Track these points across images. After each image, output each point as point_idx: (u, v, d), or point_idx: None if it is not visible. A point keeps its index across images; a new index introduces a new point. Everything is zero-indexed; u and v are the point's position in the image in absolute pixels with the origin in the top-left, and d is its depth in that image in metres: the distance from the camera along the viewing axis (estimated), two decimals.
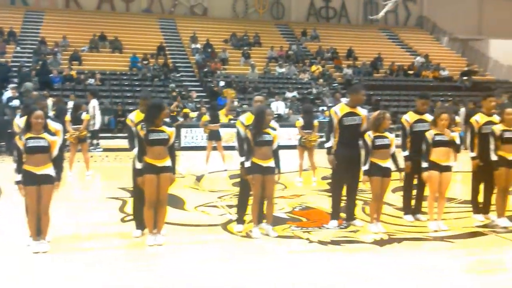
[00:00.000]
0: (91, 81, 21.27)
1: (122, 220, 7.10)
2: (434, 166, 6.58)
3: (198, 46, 25.80)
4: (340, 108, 6.87)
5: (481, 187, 7.28)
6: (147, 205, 5.89)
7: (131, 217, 6.72)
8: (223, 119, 17.05)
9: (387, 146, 6.46)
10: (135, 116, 6.28)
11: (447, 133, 6.58)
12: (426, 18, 33.36)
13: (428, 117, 7.00)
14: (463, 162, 11.54)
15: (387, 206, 7.61)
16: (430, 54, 29.25)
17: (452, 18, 32.34)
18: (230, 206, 7.84)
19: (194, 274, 5.03)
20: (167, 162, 5.87)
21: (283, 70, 24.91)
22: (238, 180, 10.03)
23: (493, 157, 6.86)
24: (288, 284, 4.82)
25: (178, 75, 23.55)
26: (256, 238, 6.21)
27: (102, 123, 16.58)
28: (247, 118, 6.55)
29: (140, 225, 6.29)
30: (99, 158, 14.11)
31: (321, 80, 24.14)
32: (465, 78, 26.49)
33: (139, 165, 5.88)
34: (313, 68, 25.45)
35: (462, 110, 17.60)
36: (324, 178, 10.77)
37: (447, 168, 6.62)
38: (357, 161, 6.71)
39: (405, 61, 28.09)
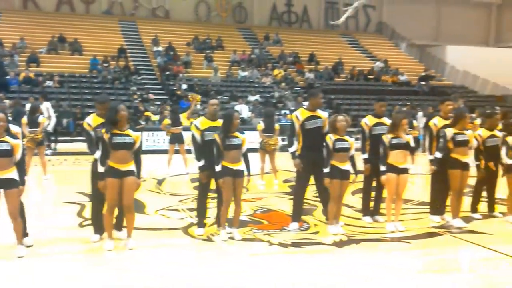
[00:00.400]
0: (49, 83, 20.80)
1: (80, 225, 6.96)
2: (391, 168, 6.73)
3: (160, 49, 25.60)
4: (300, 113, 6.94)
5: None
6: (108, 210, 5.80)
7: (90, 221, 6.60)
8: (185, 122, 17.01)
9: (347, 149, 6.56)
10: (92, 120, 6.18)
11: (403, 135, 6.75)
12: (386, 24, 34.11)
13: (387, 120, 7.15)
14: (422, 165, 11.85)
15: (346, 208, 7.74)
16: (389, 59, 29.92)
17: (410, 25, 33.20)
18: (191, 210, 7.80)
19: (158, 278, 4.99)
20: (131, 167, 5.79)
21: (245, 73, 24.99)
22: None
23: (437, 155, 7.12)
24: (250, 286, 4.84)
25: (139, 78, 23.29)
26: (225, 240, 6.22)
27: (56, 126, 16.22)
28: (201, 122, 6.54)
29: (99, 230, 6.18)
30: (57, 161, 13.79)
31: (283, 84, 24.32)
32: (423, 83, 27.20)
33: (101, 169, 5.79)
34: (276, 72, 25.62)
35: (420, 114, 18.07)
36: (285, 181, 10.87)
37: (404, 171, 6.78)
38: (321, 164, 6.79)
39: (365, 65, 28.62)
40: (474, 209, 7.80)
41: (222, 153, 6.20)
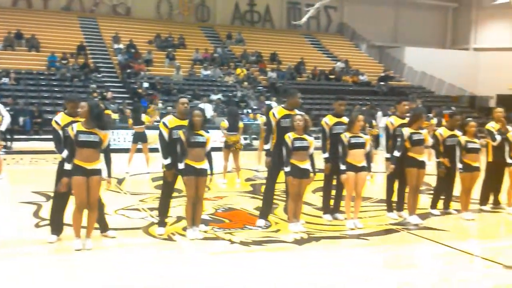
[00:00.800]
0: (5, 80, 20.20)
1: (37, 225, 6.80)
2: (350, 167, 6.86)
3: (121, 46, 25.22)
4: (278, 111, 7.00)
5: (395, 186, 7.67)
6: (77, 209, 5.72)
7: (46, 222, 6.46)
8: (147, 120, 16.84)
9: (306, 148, 6.63)
10: (61, 119, 6.10)
11: (361, 134, 6.89)
12: (346, 25, 34.63)
13: (346, 119, 7.27)
14: (381, 163, 12.10)
15: (307, 206, 7.84)
16: (350, 59, 30.40)
17: (370, 26, 33.82)
18: (151, 209, 7.73)
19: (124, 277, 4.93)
20: (98, 165, 5.74)
21: (208, 72, 24.90)
22: (160, 182, 9.94)
23: (395, 154, 7.29)
24: (210, 282, 4.85)
25: (99, 75, 22.88)
26: (192, 239, 6.21)
27: (12, 124, 15.75)
28: (170, 120, 6.50)
29: (56, 230, 6.06)
30: (12, 160, 13.41)
31: (246, 83, 24.36)
32: (382, 83, 27.76)
33: (68, 166, 5.72)
34: (238, 71, 25.65)
35: (379, 113, 18.44)
36: (248, 179, 10.91)
37: (363, 169, 6.92)
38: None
39: (326, 66, 28.98)
40: (434, 205, 8.03)
41: (186, 151, 6.18)
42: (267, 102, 18.99)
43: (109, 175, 5.88)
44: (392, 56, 32.78)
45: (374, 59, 33.05)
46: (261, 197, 8.50)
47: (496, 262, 5.65)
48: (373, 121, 15.45)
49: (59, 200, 6.02)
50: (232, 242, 6.20)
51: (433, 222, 7.41)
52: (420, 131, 7.29)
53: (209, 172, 6.32)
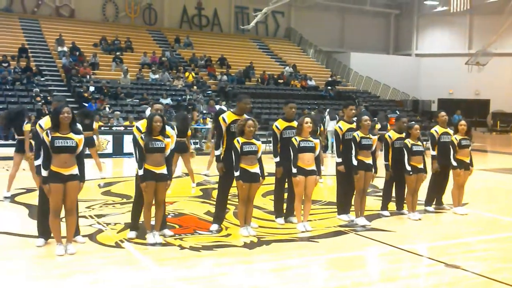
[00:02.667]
0: None
1: None
2: (299, 170, 6.96)
3: (65, 49, 24.54)
4: (227, 116, 7.01)
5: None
6: (53, 214, 5.69)
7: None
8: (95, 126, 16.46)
9: (255, 152, 6.68)
10: (44, 123, 6.02)
11: (310, 138, 7.02)
12: (294, 30, 35.13)
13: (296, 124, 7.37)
14: (330, 166, 12.32)
15: (258, 210, 7.88)
16: (298, 64, 30.84)
17: (317, 32, 34.44)
18: (99, 216, 7.56)
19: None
20: (74, 170, 5.70)
21: (156, 76, 24.62)
22: (107, 189, 9.74)
23: (354, 162, 7.42)
24: None
25: (42, 79, 22.17)
26: (152, 244, 6.17)
27: None
28: (142, 124, 6.42)
29: (44, 234, 5.98)
30: None
31: (195, 87, 24.24)
32: (329, 87, 28.31)
33: (44, 173, 5.64)
34: (187, 75, 25.50)
35: (327, 117, 18.78)
36: (198, 184, 10.84)
37: (312, 172, 7.03)
38: None
39: (275, 70, 29.28)
40: (384, 207, 8.24)
41: (144, 156, 6.13)
42: (218, 107, 19.01)
43: (82, 179, 5.83)
44: (338, 61, 33.51)
45: (321, 64, 33.66)
46: (212, 202, 8.50)
47: (439, 261, 5.88)
48: (321, 126, 15.72)
49: (45, 204, 5.89)
50: (182, 248, 6.16)
51: (380, 224, 7.61)
52: (370, 135, 7.49)
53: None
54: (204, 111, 21.61)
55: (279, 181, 7.47)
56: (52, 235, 5.96)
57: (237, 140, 6.64)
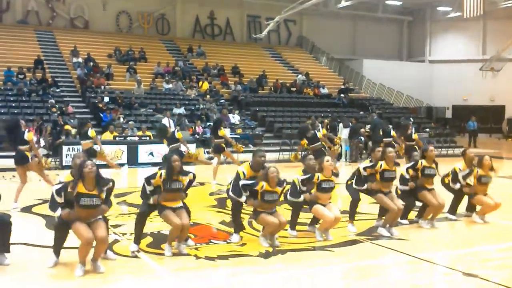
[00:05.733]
0: None
1: None
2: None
3: (80, 60, 24.83)
4: (246, 170, 6.89)
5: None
6: (84, 244, 5.51)
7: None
8: (108, 136, 16.63)
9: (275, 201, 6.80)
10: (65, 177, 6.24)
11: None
12: (306, 39, 35.17)
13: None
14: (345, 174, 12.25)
15: None
16: (310, 72, 30.84)
17: (329, 39, 34.43)
18: (115, 226, 7.61)
19: None
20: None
21: (170, 86, 24.78)
22: (123, 199, 9.81)
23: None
24: None
25: (58, 90, 22.43)
26: (168, 255, 6.18)
27: None
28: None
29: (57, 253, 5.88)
30: None
31: (208, 96, 24.36)
32: (342, 95, 28.26)
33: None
34: (200, 84, 25.65)
35: (340, 125, 18.75)
36: (211, 194, 10.87)
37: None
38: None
39: (287, 78, 29.30)
40: (403, 215, 8.13)
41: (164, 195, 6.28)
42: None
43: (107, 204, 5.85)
44: (351, 69, 33.45)
45: (333, 71, 33.64)
46: (227, 211, 8.52)
47: (456, 269, 5.83)
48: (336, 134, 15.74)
49: (58, 231, 5.84)
50: (198, 257, 6.18)
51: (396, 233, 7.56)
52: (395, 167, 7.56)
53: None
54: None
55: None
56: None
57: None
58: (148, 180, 6.33)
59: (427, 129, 24.87)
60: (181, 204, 6.39)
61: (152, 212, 6.63)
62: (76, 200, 5.52)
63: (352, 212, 7.72)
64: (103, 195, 5.68)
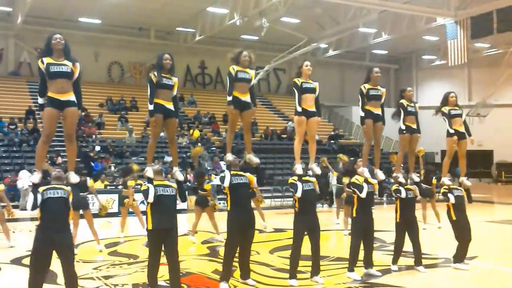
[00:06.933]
0: None
1: None
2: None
3: (81, 113, 24.96)
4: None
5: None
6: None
7: None
8: (100, 185, 16.55)
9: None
10: None
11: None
12: None
13: None
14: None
15: (265, 267, 7.77)
16: None
17: (318, 87, 34.97)
18: (106, 277, 7.49)
19: None
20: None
21: (161, 134, 24.83)
22: (114, 249, 9.70)
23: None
24: None
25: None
26: None
27: None
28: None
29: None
30: None
31: (199, 144, 24.46)
32: (332, 141, 28.51)
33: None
34: (191, 132, 25.81)
35: (330, 172, 18.83)
36: (204, 242, 10.77)
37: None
38: (250, 224, 6.90)
39: (278, 125, 29.61)
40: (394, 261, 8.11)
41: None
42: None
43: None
44: (340, 115, 33.91)
45: (323, 118, 34.04)
46: (219, 260, 8.45)
47: None
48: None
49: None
50: None
51: (389, 279, 7.50)
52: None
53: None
54: (209, 168, 21.72)
55: (296, 237, 7.19)
56: None
57: None
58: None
59: (418, 174, 24.96)
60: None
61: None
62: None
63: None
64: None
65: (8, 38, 27.48)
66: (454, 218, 8.13)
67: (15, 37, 27.50)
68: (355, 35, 28.87)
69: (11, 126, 22.24)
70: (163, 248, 6.21)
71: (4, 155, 20.13)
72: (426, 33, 29.25)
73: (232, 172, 7.04)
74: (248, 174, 7.16)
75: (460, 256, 8.11)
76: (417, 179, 8.60)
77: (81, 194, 9.58)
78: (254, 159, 7.39)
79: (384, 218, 13.13)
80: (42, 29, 24.80)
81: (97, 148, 21.61)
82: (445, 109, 8.53)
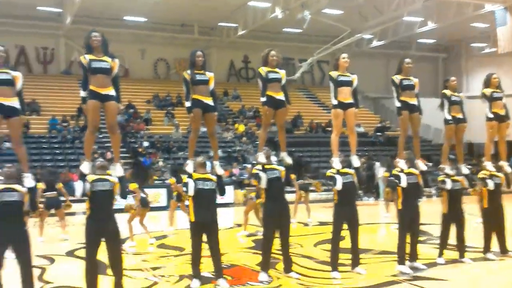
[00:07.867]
0: (5, 145, 20.46)
1: None
2: None
3: (121, 106, 25.64)
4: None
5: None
6: None
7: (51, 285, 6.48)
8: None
9: None
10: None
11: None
12: None
13: None
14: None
15: (309, 260, 7.84)
16: None
17: (364, 78, 34.13)
18: (154, 269, 7.75)
19: None
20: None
21: (206, 129, 25.20)
22: (162, 242, 9.99)
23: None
24: None
25: (100, 136, 23.17)
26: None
27: None
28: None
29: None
30: None
31: (244, 138, 24.68)
32: (379, 133, 28.12)
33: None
34: (236, 126, 26.06)
35: (377, 164, 18.63)
36: (250, 235, 10.93)
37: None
38: (285, 214, 7.02)
39: (323, 118, 29.42)
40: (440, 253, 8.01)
41: None
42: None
43: None
44: (386, 107, 33.32)
45: (369, 110, 33.58)
46: None
47: None
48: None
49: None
50: None
51: (434, 272, 7.42)
52: None
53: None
54: (254, 162, 21.89)
55: (335, 229, 7.26)
56: None
57: None
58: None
59: (469, 166, 24.30)
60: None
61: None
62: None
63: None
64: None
65: (59, 38, 28.44)
66: (486, 205, 7.95)
67: (65, 37, 28.42)
68: (400, 25, 28.26)
69: (63, 124, 23.11)
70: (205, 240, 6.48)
71: (57, 151, 20.95)
72: (474, 20, 28.25)
73: (266, 167, 7.13)
74: (280, 168, 7.26)
75: (487, 246, 8.04)
76: (466, 171, 8.31)
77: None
78: (287, 159, 7.47)
79: (433, 211, 12.87)
80: (90, 28, 25.48)
81: (145, 143, 22.17)
82: (487, 91, 8.23)
